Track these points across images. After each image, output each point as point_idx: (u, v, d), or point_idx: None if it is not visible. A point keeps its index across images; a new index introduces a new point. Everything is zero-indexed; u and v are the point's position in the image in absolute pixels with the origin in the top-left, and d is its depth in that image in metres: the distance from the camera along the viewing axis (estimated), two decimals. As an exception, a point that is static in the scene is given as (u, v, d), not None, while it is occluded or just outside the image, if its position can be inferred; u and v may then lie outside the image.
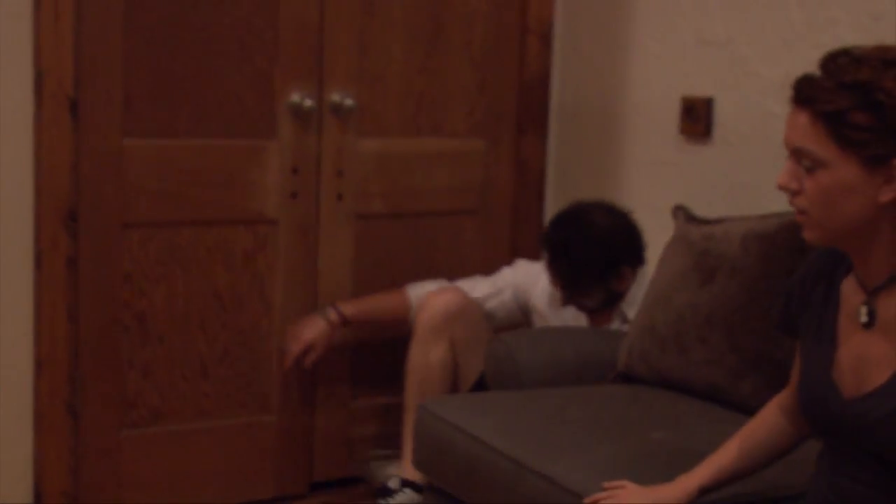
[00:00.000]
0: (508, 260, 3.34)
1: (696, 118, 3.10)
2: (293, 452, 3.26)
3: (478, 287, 3.16)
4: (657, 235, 3.16)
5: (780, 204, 2.86)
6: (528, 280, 3.16)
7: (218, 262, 3.11)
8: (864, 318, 1.69)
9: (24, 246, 2.84)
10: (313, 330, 3.13)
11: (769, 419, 1.95)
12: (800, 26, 2.86)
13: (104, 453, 3.01)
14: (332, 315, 3.15)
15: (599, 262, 2.91)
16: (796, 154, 1.64)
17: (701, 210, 2.85)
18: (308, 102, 3.11)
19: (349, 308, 3.17)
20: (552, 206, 3.57)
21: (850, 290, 1.74)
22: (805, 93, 1.64)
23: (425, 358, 3.07)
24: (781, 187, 1.66)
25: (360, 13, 3.20)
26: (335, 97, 3.16)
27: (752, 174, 3.00)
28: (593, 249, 2.91)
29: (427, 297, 3.10)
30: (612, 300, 2.99)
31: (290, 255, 3.19)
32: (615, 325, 2.99)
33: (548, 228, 3.05)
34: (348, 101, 3.16)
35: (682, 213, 2.80)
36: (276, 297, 3.19)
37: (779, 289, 2.50)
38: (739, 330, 2.49)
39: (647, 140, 3.29)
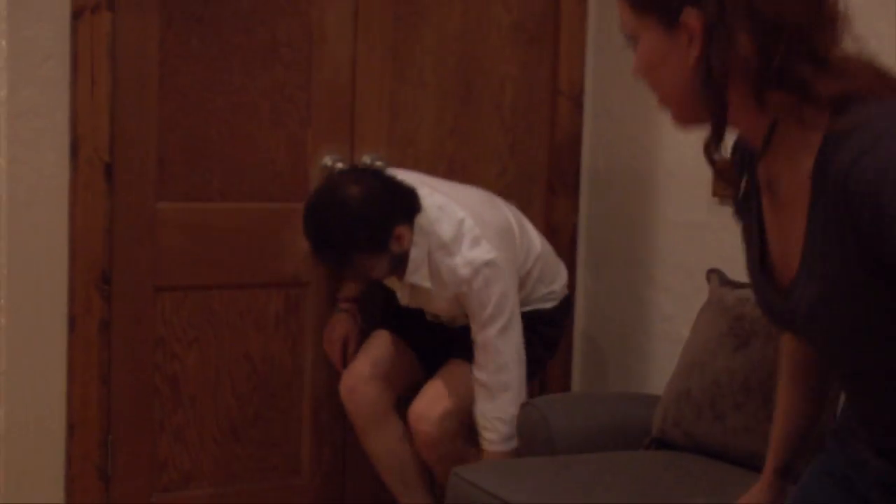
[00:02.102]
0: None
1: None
2: (324, 516, 3.24)
3: None
4: (691, 298, 3.14)
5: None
6: None
7: (249, 325, 3.12)
8: (750, 187, 1.55)
9: (58, 309, 2.85)
10: (338, 326, 3.13)
11: (792, 368, 1.81)
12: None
13: (135, 517, 3.00)
14: (343, 305, 3.14)
15: (368, 238, 2.77)
16: (624, 34, 1.55)
17: (734, 273, 2.83)
18: (340, 165, 3.12)
19: (347, 290, 3.15)
20: (584, 270, 3.57)
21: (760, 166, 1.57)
22: None
23: (379, 446, 3.07)
24: (634, 75, 1.55)
25: (392, 77, 3.22)
26: (366, 160, 3.18)
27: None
28: (355, 229, 2.75)
29: (344, 392, 3.07)
30: (402, 261, 2.86)
31: (321, 318, 3.18)
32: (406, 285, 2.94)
33: (303, 220, 2.84)
34: (379, 164, 3.17)
35: (717, 277, 2.78)
36: (307, 359, 3.19)
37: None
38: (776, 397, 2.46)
39: (680, 202, 3.27)
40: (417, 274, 2.88)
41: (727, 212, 3.11)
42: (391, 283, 3.04)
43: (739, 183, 1.62)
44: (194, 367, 3.06)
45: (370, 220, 2.76)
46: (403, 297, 3.01)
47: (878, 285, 1.33)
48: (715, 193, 3.15)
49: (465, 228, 2.85)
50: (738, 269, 2.94)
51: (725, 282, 2.75)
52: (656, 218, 3.36)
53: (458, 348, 3.01)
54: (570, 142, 3.50)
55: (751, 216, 1.58)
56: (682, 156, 3.26)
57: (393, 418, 3.06)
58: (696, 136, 3.30)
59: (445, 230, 2.85)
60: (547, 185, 3.49)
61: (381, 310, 3.17)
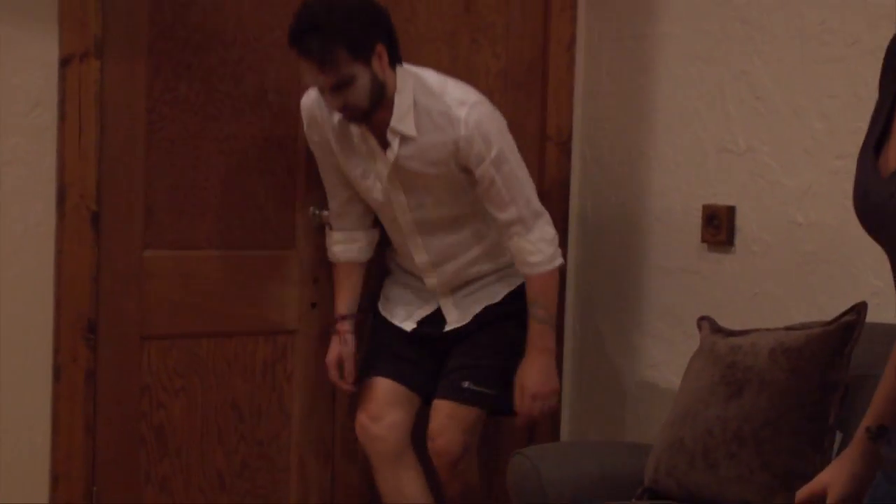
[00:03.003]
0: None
1: (719, 227, 3.09)
2: (312, 567, 3.20)
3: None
4: (680, 345, 3.14)
5: (805, 314, 2.87)
6: (314, 126, 3.00)
7: (237, 374, 3.09)
8: None
9: (43, 359, 2.82)
10: (331, 350, 3.09)
11: None
12: (822, 136, 2.86)
13: (120, 570, 2.95)
14: (336, 326, 3.09)
15: (354, 32, 2.73)
16: None
17: (725, 319, 2.83)
18: (327, 213, 3.11)
19: (339, 308, 3.09)
20: (572, 315, 3.55)
21: None
22: None
23: (397, 485, 3.04)
24: None
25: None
26: (356, 208, 3.17)
27: (776, 284, 2.98)
28: (343, 17, 2.72)
29: (363, 429, 3.05)
30: (381, 94, 2.79)
31: (309, 366, 3.16)
32: (393, 145, 2.86)
33: (295, 16, 2.78)
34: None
35: (708, 324, 2.77)
36: (294, 408, 3.16)
37: (808, 403, 2.49)
38: (769, 446, 2.44)
39: (669, 248, 3.27)
40: (403, 122, 2.83)
41: (716, 258, 3.15)
42: (371, 168, 2.93)
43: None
44: (181, 415, 3.02)
45: (358, 14, 2.76)
46: (382, 188, 2.93)
47: None
48: (704, 239, 3.15)
49: (447, 78, 2.95)
50: (728, 316, 2.95)
51: (717, 329, 2.74)
52: (645, 263, 3.35)
53: (446, 385, 3.03)
54: (559, 187, 3.50)
55: (886, 96, 1.51)
56: (670, 201, 3.26)
57: (408, 457, 3.04)
58: (685, 182, 3.31)
59: (430, 76, 2.91)
60: (535, 231, 3.48)
61: (370, 359, 3.14)
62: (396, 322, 3.10)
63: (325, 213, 3.10)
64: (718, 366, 2.60)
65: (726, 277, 3.11)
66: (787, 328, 2.62)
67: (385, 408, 3.02)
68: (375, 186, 2.95)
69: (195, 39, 2.97)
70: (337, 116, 2.89)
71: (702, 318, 2.81)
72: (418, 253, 3.03)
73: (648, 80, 3.34)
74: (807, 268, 2.90)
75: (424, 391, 3.08)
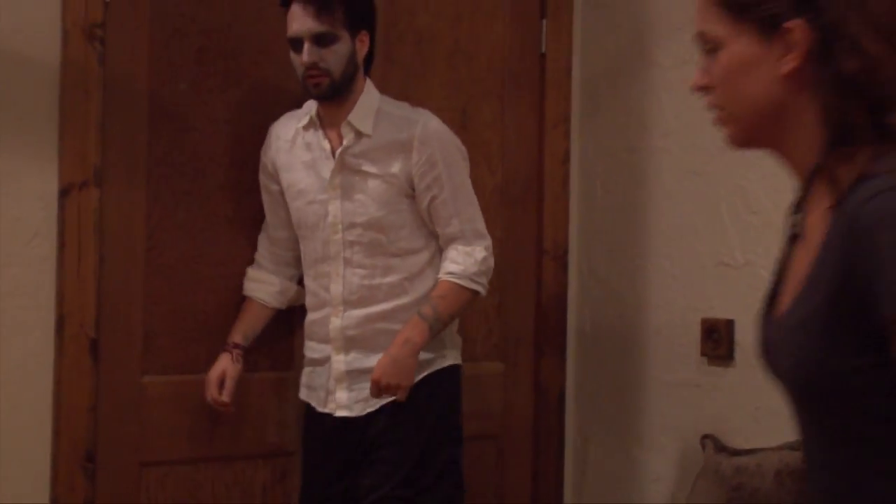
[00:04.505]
0: (531, 486, 3.27)
1: (718, 340, 3.09)
2: None
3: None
4: (682, 459, 3.12)
5: (808, 429, 2.85)
6: (271, 148, 2.97)
7: (236, 498, 3.05)
8: (792, 231, 1.47)
9: (40, 490, 2.78)
10: (217, 364, 2.93)
11: None
12: (818, 251, 2.87)
13: None
14: (227, 347, 2.96)
15: (355, 1, 2.81)
16: (701, 40, 1.48)
17: (727, 434, 2.82)
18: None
19: (233, 336, 2.97)
20: (572, 429, 3.53)
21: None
22: None
23: None
24: (695, 88, 1.48)
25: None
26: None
27: (777, 398, 2.94)
28: None
29: None
30: (350, 76, 2.81)
31: (309, 488, 3.12)
32: (346, 139, 2.83)
33: None
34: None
35: (711, 444, 2.76)
36: (295, 531, 3.12)
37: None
38: (779, 570, 2.42)
39: (669, 362, 3.26)
40: (363, 121, 2.82)
41: (717, 371, 3.14)
42: (313, 179, 2.88)
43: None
44: (180, 542, 2.98)
45: None
46: (320, 200, 2.86)
47: (847, 342, 1.31)
48: (703, 353, 3.14)
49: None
50: (730, 431, 2.93)
51: (720, 448, 2.73)
52: (645, 377, 3.34)
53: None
54: (557, 301, 3.50)
55: (784, 252, 1.52)
56: (669, 315, 3.26)
57: None
58: (683, 295, 3.31)
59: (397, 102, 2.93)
60: (534, 345, 3.48)
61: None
62: (315, 405, 2.94)
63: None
64: (724, 488, 2.58)
65: (727, 391, 3.10)
66: (791, 446, 2.61)
67: None
68: (314, 199, 2.88)
69: (193, 165, 2.99)
70: (293, 127, 2.90)
71: (705, 437, 2.80)
72: (335, 282, 2.86)
73: (643, 194, 3.37)
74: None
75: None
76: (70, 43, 2.79)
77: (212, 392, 2.94)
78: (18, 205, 2.74)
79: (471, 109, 3.38)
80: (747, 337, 3.05)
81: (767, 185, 3.00)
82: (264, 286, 3.03)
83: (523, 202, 3.46)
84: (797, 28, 1.37)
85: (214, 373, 2.94)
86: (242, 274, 3.03)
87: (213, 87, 3.01)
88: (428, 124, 2.86)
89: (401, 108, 2.91)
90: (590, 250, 3.52)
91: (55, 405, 2.79)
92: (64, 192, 2.78)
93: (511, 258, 3.44)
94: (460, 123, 3.33)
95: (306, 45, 2.77)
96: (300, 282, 3.03)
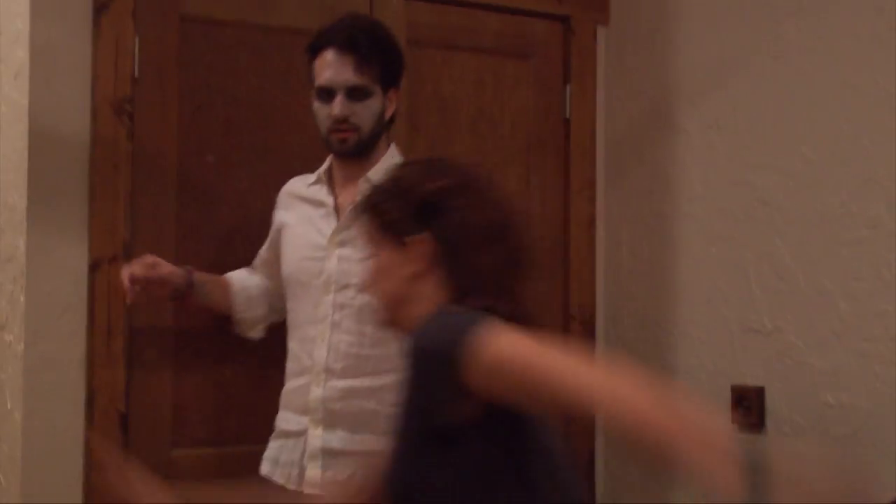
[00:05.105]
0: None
1: (749, 408, 3.06)
2: None
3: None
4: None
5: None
6: (279, 207, 2.87)
7: (265, 570, 3.03)
8: None
9: (70, 567, 2.78)
10: (168, 265, 2.72)
11: None
12: (849, 318, 2.85)
13: None
14: (188, 268, 2.78)
15: (391, 58, 2.72)
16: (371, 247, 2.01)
17: (760, 504, 2.78)
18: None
19: (199, 274, 2.79)
20: (602, 496, 3.51)
21: None
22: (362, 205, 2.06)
23: None
24: (358, 290, 2.26)
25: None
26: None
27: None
28: (390, 41, 2.73)
29: None
30: (377, 133, 2.70)
31: (338, 559, 3.10)
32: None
33: (340, 19, 2.74)
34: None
35: (745, 515, 2.73)
36: None
37: None
38: None
39: (698, 427, 3.23)
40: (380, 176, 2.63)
41: (748, 440, 3.10)
42: (318, 236, 2.72)
43: None
44: None
45: (398, 50, 2.76)
46: (320, 257, 2.69)
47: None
48: (734, 420, 3.12)
49: None
50: (762, 499, 2.90)
51: (754, 519, 2.70)
52: (674, 443, 3.31)
53: None
54: (584, 366, 3.48)
55: None
56: (697, 381, 3.24)
57: None
58: (711, 361, 3.27)
59: None
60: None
61: None
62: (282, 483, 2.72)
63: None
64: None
65: (759, 459, 3.07)
66: (826, 518, 2.58)
67: None
68: (310, 255, 2.72)
69: (220, 236, 3.00)
70: (303, 184, 2.80)
71: (738, 508, 2.77)
72: (320, 347, 2.65)
73: (670, 259, 3.36)
74: (840, 451, 2.87)
75: None
76: (99, 118, 2.82)
77: (134, 266, 2.66)
78: (49, 280, 2.75)
79: (496, 175, 3.39)
80: (778, 405, 3.03)
81: (795, 251, 2.99)
82: (244, 276, 2.90)
83: (550, 267, 3.46)
84: (418, 241, 1.90)
85: (162, 267, 2.69)
86: (269, 345, 3.03)
87: (240, 160, 3.03)
88: None
89: None
90: (616, 315, 3.51)
91: (85, 482, 2.78)
92: (94, 267, 2.79)
93: (538, 323, 3.42)
94: (486, 190, 3.33)
95: (339, 97, 2.63)
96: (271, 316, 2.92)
